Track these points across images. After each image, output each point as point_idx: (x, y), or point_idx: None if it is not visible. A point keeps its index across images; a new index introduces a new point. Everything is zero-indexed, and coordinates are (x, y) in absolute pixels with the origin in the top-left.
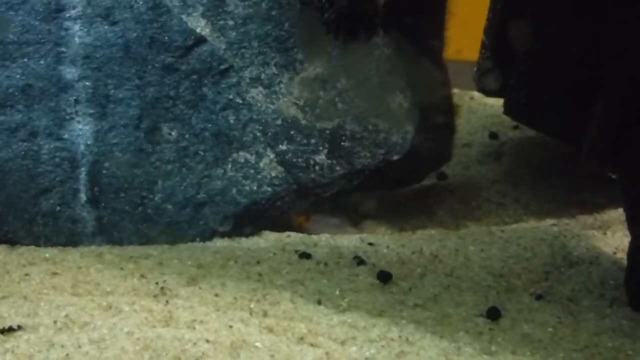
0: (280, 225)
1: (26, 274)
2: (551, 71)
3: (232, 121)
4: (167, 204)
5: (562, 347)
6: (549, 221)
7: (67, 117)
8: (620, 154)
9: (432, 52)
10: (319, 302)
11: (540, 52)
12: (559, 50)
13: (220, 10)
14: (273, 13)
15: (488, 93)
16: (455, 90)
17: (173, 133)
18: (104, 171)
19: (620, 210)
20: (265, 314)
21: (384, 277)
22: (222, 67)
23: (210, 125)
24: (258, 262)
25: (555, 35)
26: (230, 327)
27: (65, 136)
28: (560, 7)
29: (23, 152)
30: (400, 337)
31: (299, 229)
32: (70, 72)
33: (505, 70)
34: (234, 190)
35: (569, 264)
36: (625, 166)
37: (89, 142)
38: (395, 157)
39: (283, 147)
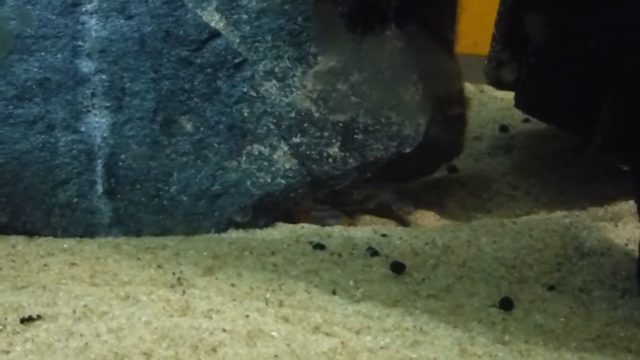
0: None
1: (45, 265)
2: (562, 64)
3: (246, 114)
4: (182, 196)
5: (574, 337)
6: (560, 213)
7: (84, 110)
8: (631, 145)
9: (444, 45)
10: (334, 293)
11: (550, 45)
12: (570, 43)
13: (234, 4)
14: (286, 7)
15: (502, 85)
16: (466, 84)
17: (188, 126)
18: (120, 163)
19: (631, 202)
20: (281, 304)
21: (398, 268)
22: (236, 60)
23: (224, 118)
24: (273, 253)
25: (566, 29)
26: (247, 316)
27: (82, 129)
28: (570, 1)
29: (41, 145)
30: (414, 326)
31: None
32: (86, 66)
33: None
34: (249, 182)
35: (581, 255)
36: (636, 158)
37: (105, 135)
38: (408, 150)
39: (297, 140)
